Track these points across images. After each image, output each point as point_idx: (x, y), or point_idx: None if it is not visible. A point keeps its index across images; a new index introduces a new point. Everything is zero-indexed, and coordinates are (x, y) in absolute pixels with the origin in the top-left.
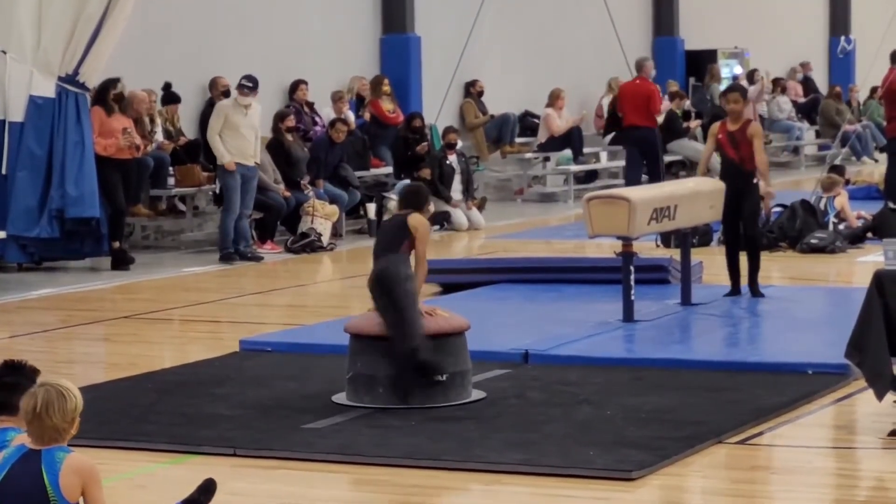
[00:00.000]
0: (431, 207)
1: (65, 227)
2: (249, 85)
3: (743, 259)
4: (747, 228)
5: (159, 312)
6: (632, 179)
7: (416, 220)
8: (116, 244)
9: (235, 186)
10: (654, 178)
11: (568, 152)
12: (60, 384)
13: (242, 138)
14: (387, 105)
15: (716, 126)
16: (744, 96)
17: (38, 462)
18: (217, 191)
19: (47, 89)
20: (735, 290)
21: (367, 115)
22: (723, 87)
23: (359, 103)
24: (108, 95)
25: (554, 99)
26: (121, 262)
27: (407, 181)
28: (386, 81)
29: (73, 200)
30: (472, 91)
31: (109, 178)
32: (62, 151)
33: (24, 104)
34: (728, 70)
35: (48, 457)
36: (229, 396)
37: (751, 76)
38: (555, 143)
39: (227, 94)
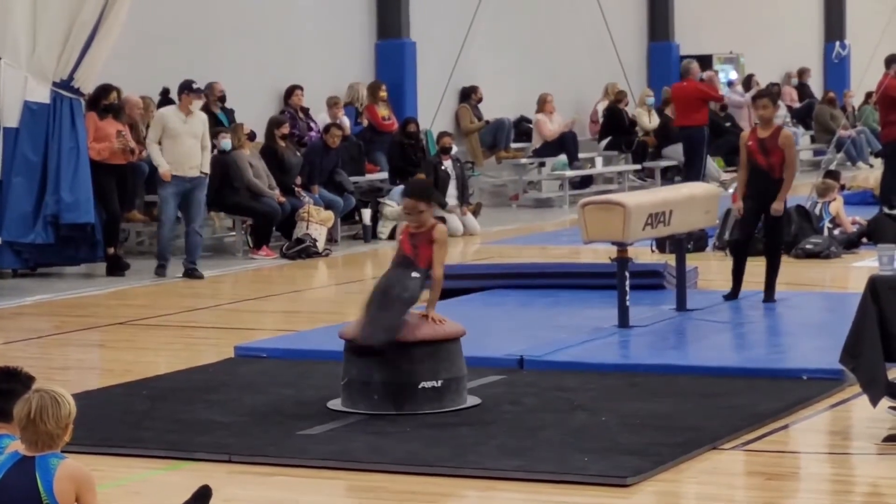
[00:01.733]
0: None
1: (59, 233)
2: (192, 90)
3: (754, 265)
4: (771, 236)
5: (154, 318)
6: (689, 178)
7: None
8: (111, 250)
9: (168, 198)
10: (693, 176)
11: (563, 157)
12: (54, 390)
13: (182, 147)
14: (382, 111)
15: (746, 134)
16: (773, 102)
17: (32, 469)
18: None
19: (42, 95)
20: (734, 294)
21: (364, 121)
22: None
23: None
24: (101, 102)
25: (542, 104)
26: (116, 268)
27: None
28: (383, 87)
29: (68, 206)
30: (473, 97)
31: (104, 183)
32: (57, 157)
33: (18, 110)
34: (723, 75)
35: (42, 463)
36: (224, 403)
37: (748, 81)
38: (550, 148)
39: (223, 99)
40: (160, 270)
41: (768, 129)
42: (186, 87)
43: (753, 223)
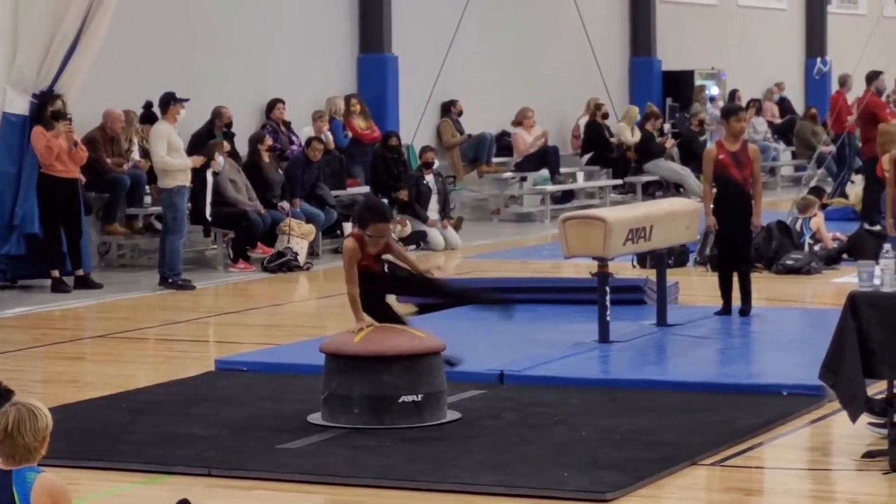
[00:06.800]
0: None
1: (32, 246)
2: (177, 99)
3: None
4: (742, 251)
5: (134, 331)
6: (840, 181)
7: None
8: (55, 273)
9: (184, 208)
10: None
11: (545, 172)
12: (31, 403)
13: (183, 157)
14: (360, 122)
15: (712, 149)
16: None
17: (8, 482)
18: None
19: (21, 107)
20: (726, 310)
21: (349, 133)
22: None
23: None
24: (46, 112)
25: (521, 118)
26: (60, 288)
27: (384, 201)
28: (353, 101)
29: (23, 217)
30: (452, 111)
31: (50, 198)
32: (28, 168)
33: None
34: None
35: (19, 477)
36: (204, 416)
37: (731, 97)
38: (532, 162)
39: (229, 125)
40: (186, 282)
41: (736, 143)
42: (172, 98)
43: (732, 240)
